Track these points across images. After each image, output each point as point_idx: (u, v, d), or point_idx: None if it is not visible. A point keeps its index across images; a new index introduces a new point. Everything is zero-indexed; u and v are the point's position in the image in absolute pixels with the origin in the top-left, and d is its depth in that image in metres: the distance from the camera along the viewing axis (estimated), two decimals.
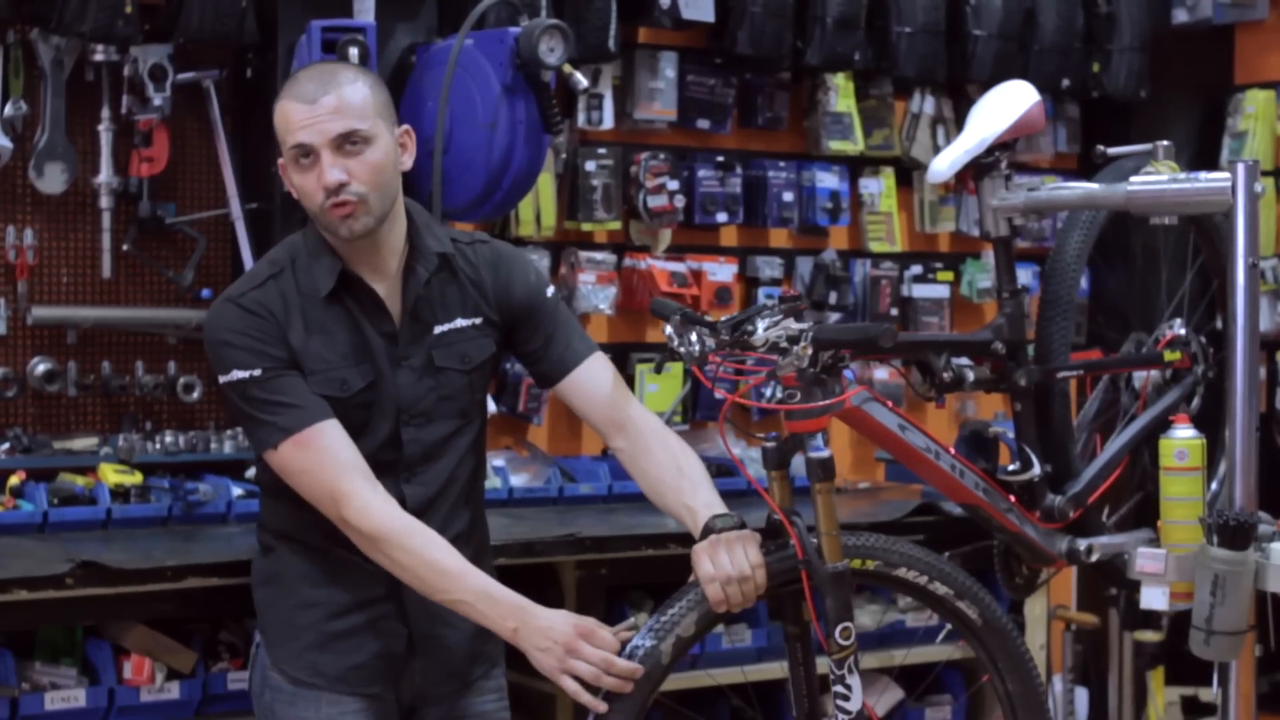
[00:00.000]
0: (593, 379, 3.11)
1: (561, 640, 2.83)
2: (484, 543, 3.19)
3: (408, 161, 3.03)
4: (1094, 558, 3.68)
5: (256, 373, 2.92)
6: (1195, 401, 3.88)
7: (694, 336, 3.02)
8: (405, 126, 3.04)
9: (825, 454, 3.06)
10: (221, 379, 2.95)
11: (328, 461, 2.90)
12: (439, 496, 3.04)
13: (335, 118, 2.91)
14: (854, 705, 3.05)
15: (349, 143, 2.91)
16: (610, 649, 2.85)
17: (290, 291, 2.98)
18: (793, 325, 2.98)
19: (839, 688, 3.07)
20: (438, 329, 3.05)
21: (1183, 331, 3.91)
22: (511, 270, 3.12)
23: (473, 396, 3.09)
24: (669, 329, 3.05)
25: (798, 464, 3.09)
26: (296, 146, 2.93)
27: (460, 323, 3.07)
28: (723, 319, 3.03)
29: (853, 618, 3.04)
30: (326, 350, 2.97)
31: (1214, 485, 3.70)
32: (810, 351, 2.98)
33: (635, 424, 3.11)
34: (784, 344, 2.98)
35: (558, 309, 3.15)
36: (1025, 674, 3.32)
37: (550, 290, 3.15)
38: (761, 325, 2.98)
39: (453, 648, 3.08)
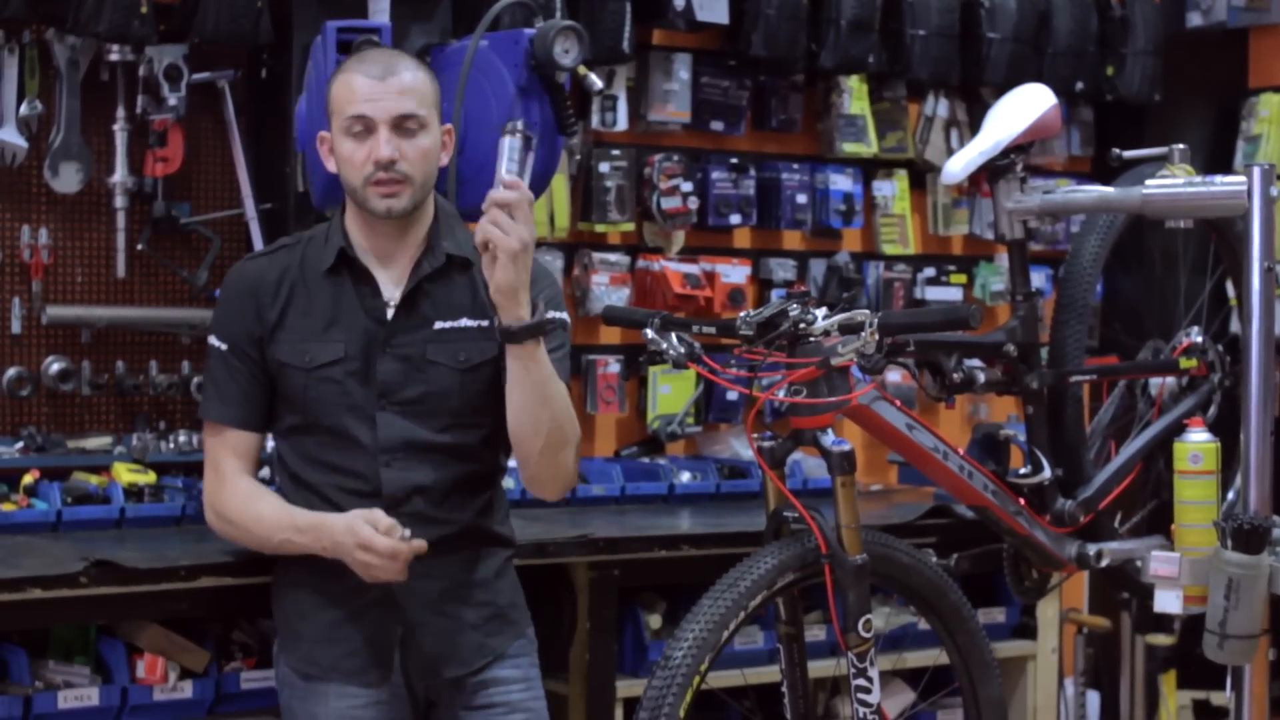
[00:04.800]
0: None
1: (353, 540, 2.97)
2: (491, 532, 3.18)
3: (445, 158, 3.15)
4: (1104, 563, 3.68)
5: (223, 348, 3.13)
6: (1212, 410, 3.87)
7: (675, 338, 3.09)
8: (448, 125, 3.15)
9: (846, 447, 3.10)
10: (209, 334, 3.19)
11: (221, 448, 3.14)
12: (421, 491, 3.07)
13: (401, 97, 3.02)
14: (875, 698, 3.08)
15: (407, 125, 3.02)
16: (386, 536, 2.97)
17: (295, 264, 3.14)
18: (856, 314, 3.01)
19: (860, 681, 3.10)
20: (438, 324, 3.10)
21: (1200, 339, 3.90)
22: None
23: (467, 399, 3.11)
24: (649, 333, 3.12)
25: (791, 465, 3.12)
26: (357, 117, 3.03)
27: (465, 322, 3.12)
28: (742, 315, 3.07)
29: (871, 610, 3.08)
30: (303, 321, 3.11)
31: (1230, 495, 3.69)
32: (876, 337, 3.00)
33: None
34: (850, 331, 3.01)
35: (554, 345, 3.10)
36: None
37: (551, 314, 3.08)
38: (820, 314, 3.03)
39: (449, 634, 3.11)
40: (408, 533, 2.97)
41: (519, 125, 3.00)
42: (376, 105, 3.02)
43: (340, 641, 3.08)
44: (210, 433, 3.17)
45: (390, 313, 3.10)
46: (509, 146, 2.99)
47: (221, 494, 3.13)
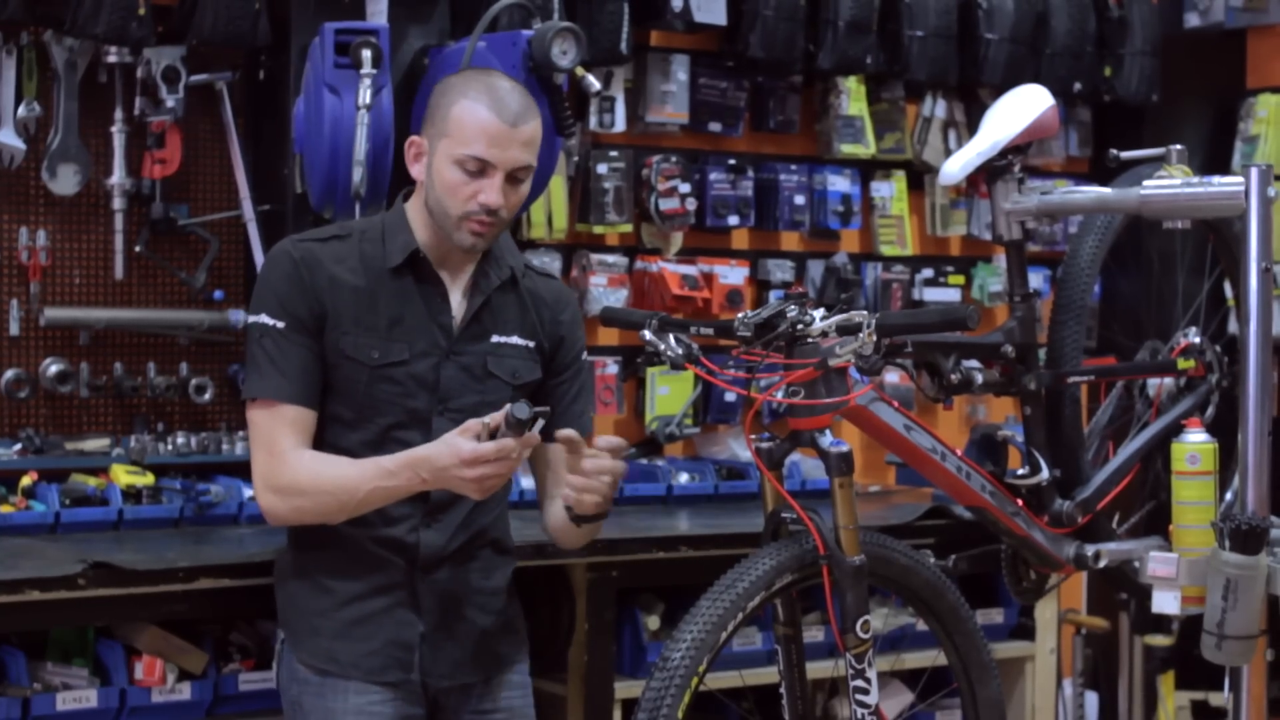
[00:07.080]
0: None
1: (456, 459, 2.86)
2: (502, 541, 3.24)
3: None
4: (1102, 564, 3.68)
5: (279, 325, 3.04)
6: (1210, 411, 3.88)
7: (673, 339, 3.13)
8: None
9: (844, 448, 3.10)
10: (250, 317, 3.08)
11: (279, 424, 3.02)
12: (464, 497, 3.06)
13: (525, 150, 3.03)
14: (873, 699, 3.08)
15: (518, 174, 3.03)
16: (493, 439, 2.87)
17: (352, 256, 3.08)
18: (854, 315, 3.02)
19: (858, 682, 3.11)
20: (495, 338, 3.14)
21: (1198, 340, 3.90)
22: (567, 317, 3.24)
23: None
24: (648, 334, 3.13)
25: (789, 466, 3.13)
26: (478, 159, 2.99)
27: (517, 340, 3.17)
28: (739, 316, 3.07)
29: (869, 611, 3.08)
30: (367, 317, 3.06)
31: (1228, 496, 3.70)
32: (874, 338, 3.01)
33: None
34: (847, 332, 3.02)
35: (582, 373, 3.27)
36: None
37: (585, 354, 3.28)
38: (818, 315, 3.04)
39: (466, 639, 3.14)
40: (497, 415, 2.87)
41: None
42: (502, 154, 2.99)
43: (362, 640, 3.08)
44: (262, 411, 3.03)
45: (457, 320, 3.11)
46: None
47: (282, 471, 3.00)
